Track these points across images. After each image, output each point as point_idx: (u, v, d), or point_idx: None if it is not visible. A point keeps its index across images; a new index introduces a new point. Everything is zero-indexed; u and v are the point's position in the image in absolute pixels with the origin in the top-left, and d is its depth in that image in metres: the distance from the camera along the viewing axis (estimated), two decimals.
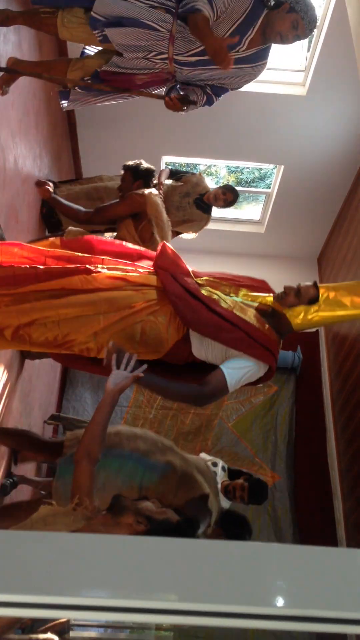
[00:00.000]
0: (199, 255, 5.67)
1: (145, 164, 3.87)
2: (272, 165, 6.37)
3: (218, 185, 4.63)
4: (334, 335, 6.19)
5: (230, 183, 8.07)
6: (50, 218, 4.37)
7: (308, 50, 5.08)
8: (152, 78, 3.14)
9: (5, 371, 3.51)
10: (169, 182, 4.56)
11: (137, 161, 3.87)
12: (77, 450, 2.05)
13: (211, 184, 4.78)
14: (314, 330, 6.29)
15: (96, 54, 3.27)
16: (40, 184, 4.04)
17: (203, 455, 3.60)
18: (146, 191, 3.68)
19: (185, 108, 3.12)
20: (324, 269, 6.69)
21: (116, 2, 2.89)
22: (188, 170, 4.95)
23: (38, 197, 4.21)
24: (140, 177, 3.80)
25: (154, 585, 0.87)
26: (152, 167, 3.92)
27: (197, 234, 4.84)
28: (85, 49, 3.36)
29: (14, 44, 3.44)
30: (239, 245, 6.71)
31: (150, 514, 1.77)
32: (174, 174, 4.66)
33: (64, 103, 3.43)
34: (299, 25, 2.80)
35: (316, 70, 4.88)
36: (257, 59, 3.00)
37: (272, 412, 5.83)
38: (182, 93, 3.15)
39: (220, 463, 3.45)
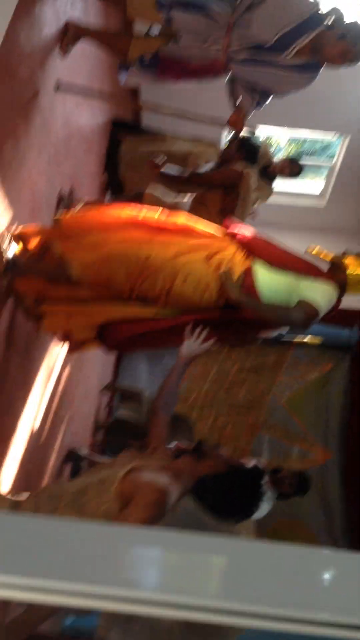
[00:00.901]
0: (257, 228, 5.57)
1: (254, 140, 3.99)
2: (336, 137, 6.15)
3: (283, 157, 4.51)
4: None
5: (291, 154, 7.87)
6: (113, 181, 4.41)
7: None
8: (206, 68, 3.14)
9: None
10: None
11: (249, 134, 3.98)
12: (155, 404, 2.28)
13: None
14: None
15: (159, 34, 3.22)
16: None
17: None
18: (245, 170, 3.79)
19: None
20: None
21: None
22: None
23: (100, 167, 4.22)
24: (244, 150, 3.89)
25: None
26: (259, 144, 4.05)
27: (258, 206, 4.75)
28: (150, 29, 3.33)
29: (81, 10, 3.40)
30: (299, 219, 6.56)
31: (227, 458, 2.01)
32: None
33: (123, 77, 3.40)
34: (348, 55, 2.83)
35: None
36: (304, 71, 2.99)
37: (326, 390, 5.74)
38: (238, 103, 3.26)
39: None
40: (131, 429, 4.99)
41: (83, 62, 3.55)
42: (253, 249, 2.64)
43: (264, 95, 3.18)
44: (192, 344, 2.36)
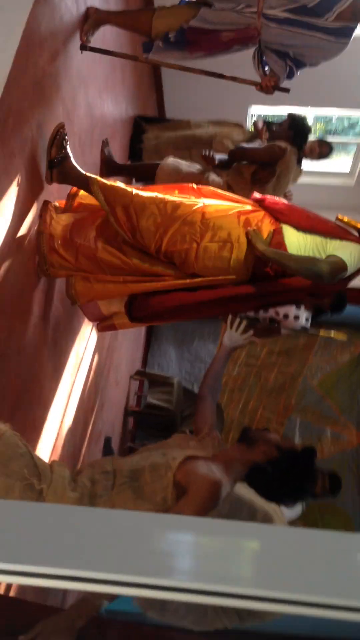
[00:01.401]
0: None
1: (306, 122, 4.00)
2: None
3: (312, 139, 4.44)
4: None
5: (319, 132, 7.74)
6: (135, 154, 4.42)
7: None
8: (237, 35, 3.10)
9: (94, 328, 3.59)
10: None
11: (303, 115, 4.04)
12: (201, 389, 2.33)
13: None
14: None
15: (187, 3, 3.18)
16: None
17: None
18: (289, 147, 3.80)
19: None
20: None
21: None
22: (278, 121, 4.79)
23: (124, 155, 4.20)
24: (295, 129, 3.89)
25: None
26: (310, 127, 4.05)
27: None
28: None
29: None
30: (327, 199, 6.46)
31: (277, 442, 2.00)
32: (268, 125, 4.51)
33: (147, 55, 3.37)
34: None
35: None
36: (341, 36, 2.96)
37: (358, 371, 5.68)
38: (269, 71, 3.22)
39: None
40: (162, 415, 5.02)
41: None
42: (282, 213, 2.68)
43: (297, 63, 3.15)
44: (234, 334, 2.45)
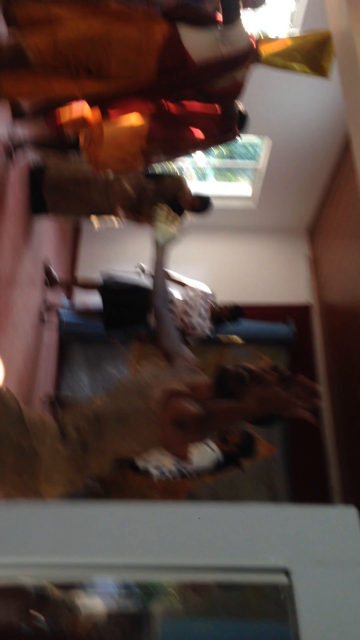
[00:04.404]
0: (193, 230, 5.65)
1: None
2: (259, 140, 6.33)
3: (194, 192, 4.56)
4: (326, 307, 6.24)
5: (221, 157, 8.02)
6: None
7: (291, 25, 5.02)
8: None
9: (5, 352, 3.53)
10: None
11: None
12: (154, 303, 2.25)
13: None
14: (306, 303, 6.35)
15: None
16: None
17: None
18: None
19: None
20: (316, 240, 6.71)
21: None
22: (170, 172, 4.85)
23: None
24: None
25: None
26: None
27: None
28: None
29: None
30: (230, 221, 6.71)
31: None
32: (155, 175, 4.57)
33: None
34: None
35: None
36: None
37: None
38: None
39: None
40: None
41: None
42: None
43: None
44: (163, 227, 2.32)
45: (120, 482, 3.70)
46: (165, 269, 2.33)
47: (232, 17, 2.88)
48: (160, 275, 2.30)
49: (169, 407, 1.84)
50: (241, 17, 2.93)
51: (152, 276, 2.31)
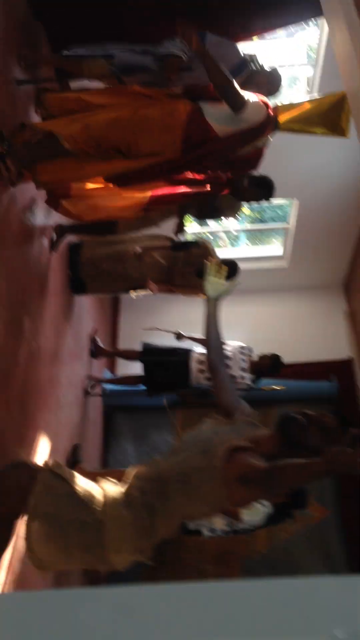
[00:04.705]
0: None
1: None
2: (287, 201, 6.47)
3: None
4: None
5: (251, 221, 8.20)
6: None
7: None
8: None
9: (51, 427, 3.58)
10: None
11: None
12: (209, 357, 2.25)
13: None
14: (347, 358, 6.27)
15: None
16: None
17: None
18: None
19: None
20: (352, 294, 6.70)
21: None
22: (196, 239, 4.94)
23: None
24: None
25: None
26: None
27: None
28: None
29: None
30: (265, 282, 6.77)
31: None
32: (182, 245, 4.64)
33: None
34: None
35: None
36: None
37: None
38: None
39: None
40: None
41: None
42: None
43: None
44: (214, 281, 2.30)
45: (175, 544, 3.62)
46: (218, 323, 2.29)
47: (237, 106, 3.01)
48: (214, 329, 2.26)
49: (234, 464, 1.78)
50: (248, 97, 3.06)
51: (206, 331, 2.27)
